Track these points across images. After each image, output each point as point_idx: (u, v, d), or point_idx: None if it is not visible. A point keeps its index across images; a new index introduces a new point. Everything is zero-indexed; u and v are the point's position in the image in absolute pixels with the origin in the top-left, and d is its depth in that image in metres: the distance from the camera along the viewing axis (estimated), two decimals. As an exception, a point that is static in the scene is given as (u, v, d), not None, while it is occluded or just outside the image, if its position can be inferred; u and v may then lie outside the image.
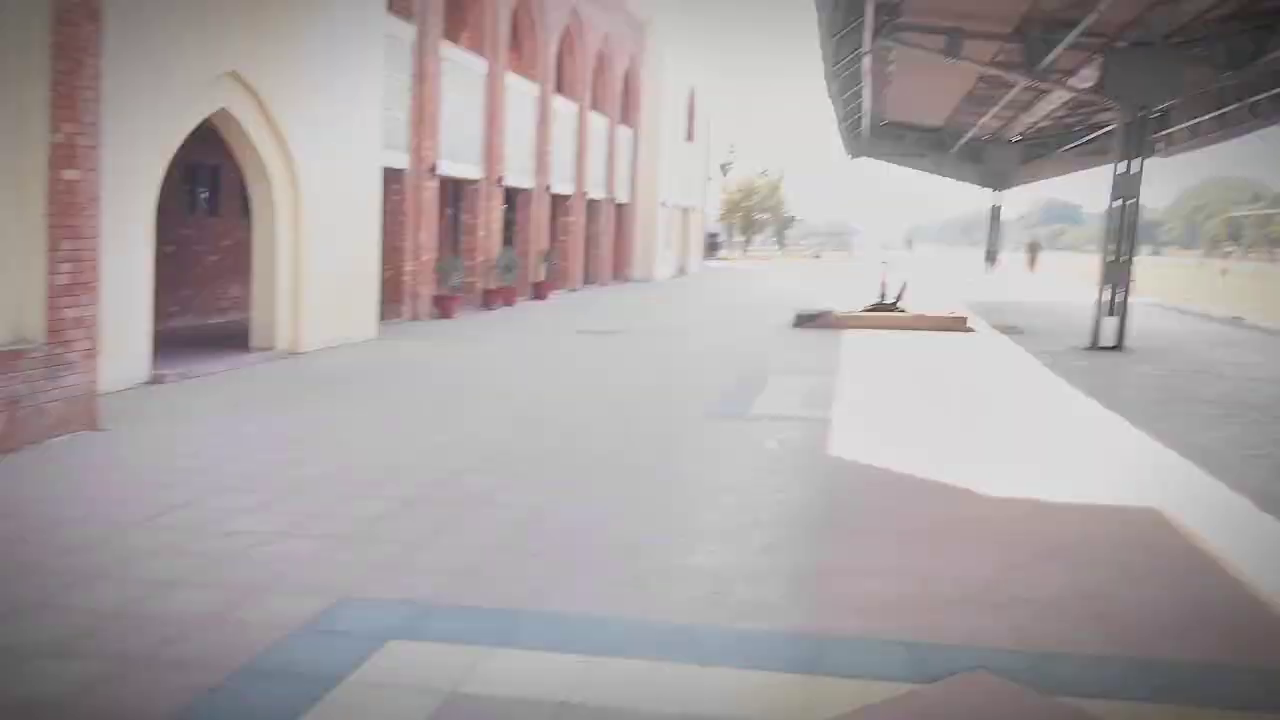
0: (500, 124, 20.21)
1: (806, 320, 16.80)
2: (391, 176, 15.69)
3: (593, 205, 28.18)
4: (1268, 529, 5.32)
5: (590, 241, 28.41)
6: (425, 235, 17.04)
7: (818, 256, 79.54)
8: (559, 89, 24.70)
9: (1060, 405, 9.26)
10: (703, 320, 18.92)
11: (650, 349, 13.82)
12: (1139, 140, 13.71)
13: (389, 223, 15.45)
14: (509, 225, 22.73)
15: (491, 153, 19.96)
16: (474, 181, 19.63)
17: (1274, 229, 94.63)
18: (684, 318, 19.53)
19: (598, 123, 27.72)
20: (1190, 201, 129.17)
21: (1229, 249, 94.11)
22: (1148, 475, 6.56)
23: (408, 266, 16.48)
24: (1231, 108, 20.67)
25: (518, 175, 21.85)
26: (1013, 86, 19.66)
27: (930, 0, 14.55)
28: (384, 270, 15.01)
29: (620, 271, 31.49)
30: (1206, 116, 22.04)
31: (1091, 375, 11.30)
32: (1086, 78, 16.15)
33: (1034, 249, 42.03)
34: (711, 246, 66.83)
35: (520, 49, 22.33)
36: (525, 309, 20.04)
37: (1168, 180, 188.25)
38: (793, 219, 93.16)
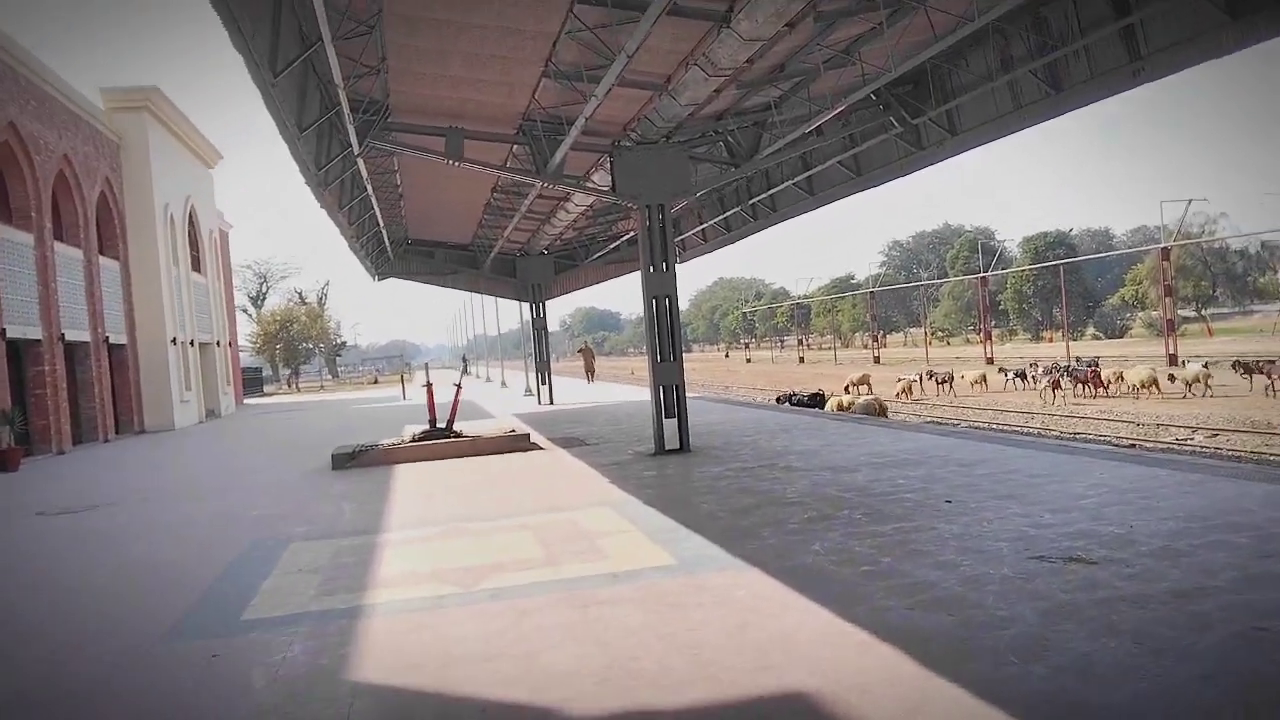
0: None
1: (346, 460, 14.13)
2: None
3: (75, 349, 23.23)
4: (951, 698, 4.01)
5: (79, 392, 23.50)
6: None
7: (375, 381, 76.43)
8: (6, 217, 20.30)
9: (648, 542, 7.78)
10: (222, 474, 15.45)
11: (129, 526, 10.39)
12: (662, 240, 13.34)
13: None
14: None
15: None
16: None
17: (778, 320, 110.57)
18: (199, 474, 15.93)
19: (67, 254, 22.99)
20: (706, 301, 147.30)
21: (746, 340, 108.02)
22: (767, 631, 5.03)
23: None
24: (734, 211, 22.37)
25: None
26: (528, 195, 19.07)
27: (421, 97, 13.11)
28: None
29: (129, 422, 26.52)
30: (714, 220, 23.74)
31: (663, 487, 10.17)
32: (601, 181, 15.85)
33: (588, 355, 41.71)
34: (254, 383, 60.79)
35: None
36: (-26, 488, 15.37)
37: (684, 283, 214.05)
38: (344, 344, 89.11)
